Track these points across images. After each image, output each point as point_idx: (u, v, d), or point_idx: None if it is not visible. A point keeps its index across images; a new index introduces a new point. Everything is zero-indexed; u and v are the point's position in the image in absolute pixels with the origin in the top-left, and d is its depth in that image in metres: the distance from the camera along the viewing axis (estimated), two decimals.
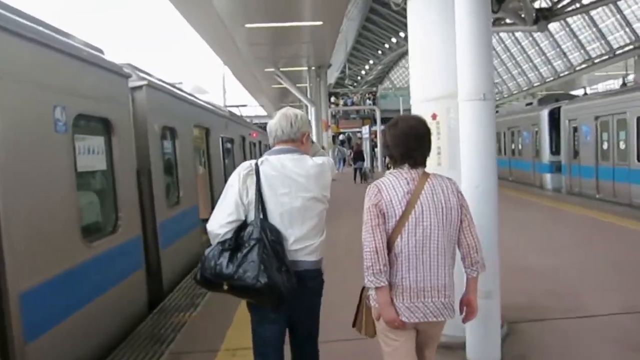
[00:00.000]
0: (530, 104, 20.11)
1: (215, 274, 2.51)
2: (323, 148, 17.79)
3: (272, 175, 2.58)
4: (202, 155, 9.47)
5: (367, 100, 40.05)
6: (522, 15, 18.75)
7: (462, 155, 3.70)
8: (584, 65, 35.85)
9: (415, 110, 4.21)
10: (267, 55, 21.24)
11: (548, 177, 16.89)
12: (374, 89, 68.53)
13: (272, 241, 2.50)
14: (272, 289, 2.44)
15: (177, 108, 7.39)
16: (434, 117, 4.02)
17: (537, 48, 41.09)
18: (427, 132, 2.55)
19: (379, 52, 61.77)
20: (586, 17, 32.06)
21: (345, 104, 38.90)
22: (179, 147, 7.09)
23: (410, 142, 2.48)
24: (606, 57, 32.86)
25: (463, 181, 3.63)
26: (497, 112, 26.16)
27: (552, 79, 41.82)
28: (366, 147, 28.96)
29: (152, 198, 5.77)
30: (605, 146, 13.21)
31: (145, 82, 5.80)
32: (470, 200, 2.84)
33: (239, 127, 14.24)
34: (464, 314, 2.59)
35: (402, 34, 48.20)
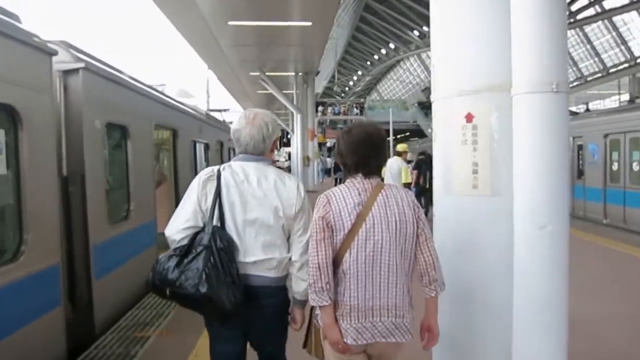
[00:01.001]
0: None
1: (160, 279, 2.38)
2: (308, 159, 16.71)
3: (232, 182, 2.45)
4: (166, 161, 8.16)
5: (355, 110, 39.12)
6: None
7: (515, 176, 2.49)
8: (576, 83, 35.43)
9: (439, 110, 3.02)
10: (253, 57, 20.05)
11: None
12: (362, 100, 68.16)
13: (220, 249, 2.34)
14: (213, 300, 2.29)
15: (131, 102, 6.09)
16: (468, 118, 2.79)
17: None
18: (383, 140, 2.42)
19: (368, 62, 61.07)
20: (580, 34, 31.53)
21: (333, 113, 37.88)
22: (131, 150, 5.79)
23: (366, 150, 2.33)
24: (599, 75, 32.43)
25: (518, 215, 2.44)
26: None
27: None
28: None
29: (84, 213, 4.46)
30: (615, 167, 12.17)
31: (82, 65, 4.50)
32: (529, 243, 2.32)
33: (216, 132, 12.95)
34: (425, 341, 2.37)
35: (391, 45, 47.68)
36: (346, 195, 2.29)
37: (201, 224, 2.44)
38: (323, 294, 2.22)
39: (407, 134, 47.11)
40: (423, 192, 11.50)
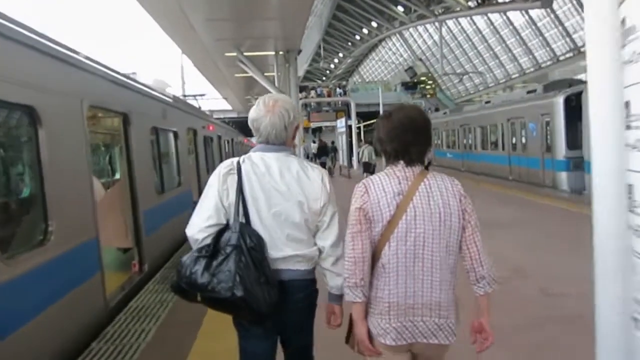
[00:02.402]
0: (534, 91, 17.41)
1: (189, 284, 2.22)
2: (294, 146, 14.25)
3: (254, 176, 2.29)
4: (114, 156, 6.24)
5: (338, 89, 37.46)
6: None
7: None
8: (569, 55, 33.96)
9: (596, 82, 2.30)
10: (228, 35, 17.98)
11: (564, 176, 14.20)
12: (344, 82, 66.41)
13: (251, 248, 2.20)
14: (249, 303, 2.16)
15: (43, 71, 4.15)
16: None
17: (517, 37, 39.00)
18: (427, 125, 2.20)
19: (349, 43, 59.06)
20: (552, 15, 29.85)
21: (316, 95, 36.01)
22: (45, 142, 3.89)
23: (408, 136, 2.13)
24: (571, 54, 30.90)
25: None
26: (489, 102, 23.67)
27: (532, 69, 39.88)
28: (341, 142, 25.98)
29: None
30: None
31: None
32: None
33: (186, 117, 11.00)
34: (477, 343, 2.16)
35: (374, 24, 45.74)
36: (385, 183, 2.11)
37: (224, 221, 2.27)
38: (356, 290, 2.08)
39: None
40: None
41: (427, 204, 2.08)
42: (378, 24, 44.23)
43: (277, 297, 2.22)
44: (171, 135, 9.19)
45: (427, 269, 2.08)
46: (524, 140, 16.80)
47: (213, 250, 2.22)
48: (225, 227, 2.26)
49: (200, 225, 2.27)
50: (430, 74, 60.46)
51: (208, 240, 2.25)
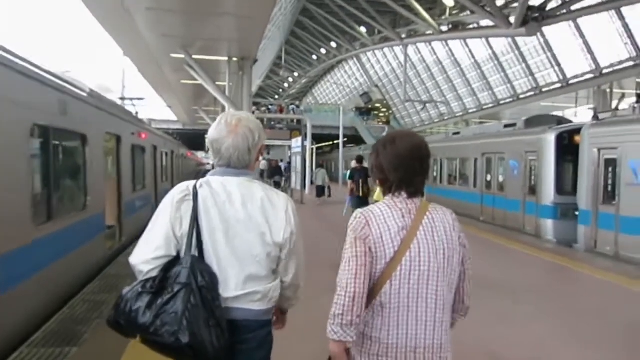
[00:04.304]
0: (512, 125, 15.81)
1: (128, 322, 1.98)
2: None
3: (212, 203, 2.08)
4: None
5: (292, 106, 35.68)
6: (508, 17, 14.61)
7: None
8: (531, 93, 33.32)
9: None
10: (175, 31, 15.50)
11: (550, 224, 12.46)
12: (297, 102, 64.74)
13: (202, 287, 1.97)
14: (195, 350, 1.92)
15: None
16: None
17: (478, 71, 38.31)
18: (429, 154, 2.12)
19: (306, 63, 57.37)
20: (541, 40, 29.18)
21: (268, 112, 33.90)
22: None
23: (413, 165, 2.05)
24: (559, 85, 30.30)
25: None
26: (457, 133, 22.10)
27: (491, 105, 39.24)
28: (295, 164, 23.70)
29: None
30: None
31: None
32: None
33: (104, 119, 8.42)
34: None
35: (333, 44, 44.18)
36: (388, 217, 1.99)
37: (174, 253, 2.06)
38: (350, 329, 1.91)
39: (345, 139, 43.79)
40: (360, 202, 11.13)
41: (432, 239, 1.98)
42: (338, 44, 42.64)
43: (226, 341, 2.00)
44: (80, 140, 6.64)
45: (431, 309, 1.96)
46: (501, 179, 15.09)
47: (159, 285, 1.99)
48: (175, 260, 2.03)
49: (146, 256, 2.05)
50: (385, 102, 59.60)
51: (154, 273, 2.02)
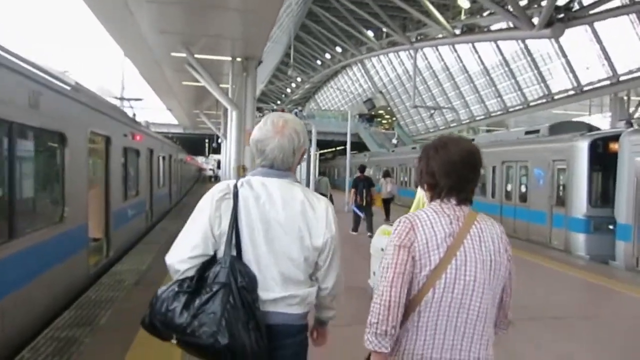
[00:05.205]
0: (536, 131, 14.76)
1: (164, 322, 1.92)
2: (244, 168, 10.29)
3: (253, 203, 2.03)
4: None
5: (295, 110, 34.81)
6: (532, 18, 13.62)
7: None
8: (542, 100, 32.32)
9: None
10: (176, 27, 14.49)
11: (581, 239, 11.38)
12: (300, 108, 63.87)
13: (241, 287, 1.92)
14: (234, 352, 1.86)
15: None
16: None
17: (487, 78, 37.33)
18: (480, 162, 2.03)
19: (310, 68, 56.48)
20: (555, 46, 28.20)
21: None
22: None
23: (465, 172, 1.97)
24: (572, 92, 29.31)
25: None
26: (472, 140, 21.05)
27: (499, 113, 38.26)
28: (300, 171, 22.67)
29: None
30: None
31: None
32: None
33: (90, 116, 7.40)
34: None
35: (338, 48, 43.28)
36: (435, 222, 1.90)
37: (211, 252, 2.01)
38: (385, 339, 1.84)
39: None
40: (364, 211, 12.04)
41: (480, 249, 1.90)
42: (344, 48, 41.72)
43: (266, 345, 1.93)
44: (47, 139, 5.59)
45: (472, 320, 1.87)
46: (524, 189, 14.02)
47: (196, 285, 1.94)
48: (212, 260, 2.00)
49: (183, 255, 2.00)
50: (389, 108, 58.62)
51: (190, 273, 1.98)
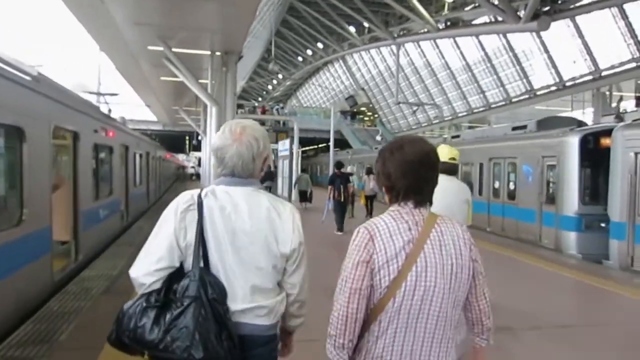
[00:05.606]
0: (523, 127, 14.46)
1: (134, 339, 1.88)
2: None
3: (217, 213, 2.01)
4: None
5: (276, 106, 34.21)
6: (518, 11, 13.39)
7: None
8: (525, 96, 32.24)
9: None
10: (151, 18, 13.87)
11: (573, 237, 11.08)
12: (281, 105, 63.18)
13: (212, 300, 1.91)
14: None
15: None
16: None
17: (469, 74, 37.18)
18: (438, 162, 2.02)
19: (292, 64, 55.85)
20: (538, 41, 28.09)
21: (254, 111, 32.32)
22: None
23: (422, 172, 1.94)
24: (554, 88, 29.24)
25: None
26: (457, 136, 20.75)
27: (482, 109, 38.14)
28: (283, 168, 22.14)
29: None
30: None
31: None
32: None
33: (54, 110, 6.83)
34: None
35: (320, 44, 42.76)
36: (394, 230, 1.86)
37: (177, 264, 1.98)
38: (342, 352, 1.85)
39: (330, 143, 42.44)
40: (340, 206, 12.47)
41: (440, 253, 1.87)
42: (325, 44, 41.19)
43: (239, 355, 1.94)
44: (3, 133, 5.02)
45: (431, 327, 1.85)
46: (512, 186, 13.71)
47: (164, 299, 1.91)
48: (177, 271, 1.96)
49: (148, 268, 1.94)
50: (371, 105, 58.32)
51: (157, 285, 1.94)
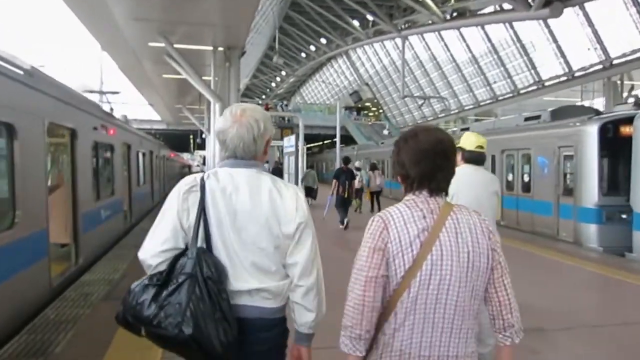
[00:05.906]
0: (537, 117, 14.01)
1: (134, 316, 1.92)
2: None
3: (219, 194, 2.02)
4: None
5: (281, 103, 33.88)
6: None
7: None
8: (533, 87, 31.71)
9: None
10: (152, 13, 13.52)
11: (593, 230, 10.65)
12: (285, 102, 62.81)
13: (207, 278, 1.90)
14: (199, 343, 1.84)
15: None
16: None
17: (475, 66, 36.66)
18: (454, 149, 1.96)
19: (295, 61, 55.43)
20: (546, 31, 27.55)
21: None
22: None
23: (436, 160, 1.89)
24: (564, 78, 28.71)
25: None
26: (467, 129, 20.30)
27: (489, 101, 37.63)
28: (289, 164, 21.82)
29: None
30: None
31: None
32: None
33: (50, 106, 6.48)
34: None
35: (323, 40, 42.30)
36: (408, 218, 1.83)
37: (182, 245, 2.00)
38: (359, 343, 1.80)
39: (335, 139, 42.12)
40: (343, 202, 12.50)
41: (455, 241, 1.82)
42: (328, 39, 40.74)
43: (234, 337, 1.90)
44: None
45: (449, 316, 1.80)
46: (526, 178, 13.28)
47: (165, 278, 1.93)
48: (183, 253, 1.97)
49: (154, 250, 1.99)
50: (375, 100, 57.85)
51: (162, 267, 1.96)
